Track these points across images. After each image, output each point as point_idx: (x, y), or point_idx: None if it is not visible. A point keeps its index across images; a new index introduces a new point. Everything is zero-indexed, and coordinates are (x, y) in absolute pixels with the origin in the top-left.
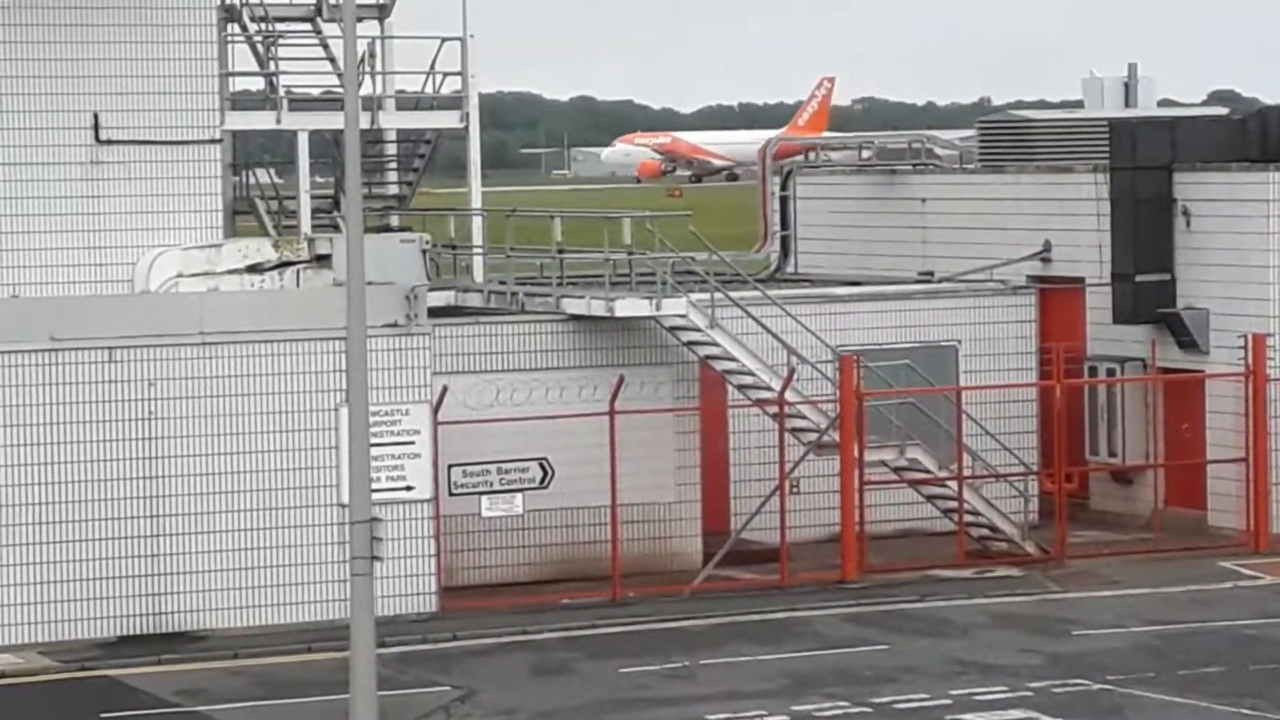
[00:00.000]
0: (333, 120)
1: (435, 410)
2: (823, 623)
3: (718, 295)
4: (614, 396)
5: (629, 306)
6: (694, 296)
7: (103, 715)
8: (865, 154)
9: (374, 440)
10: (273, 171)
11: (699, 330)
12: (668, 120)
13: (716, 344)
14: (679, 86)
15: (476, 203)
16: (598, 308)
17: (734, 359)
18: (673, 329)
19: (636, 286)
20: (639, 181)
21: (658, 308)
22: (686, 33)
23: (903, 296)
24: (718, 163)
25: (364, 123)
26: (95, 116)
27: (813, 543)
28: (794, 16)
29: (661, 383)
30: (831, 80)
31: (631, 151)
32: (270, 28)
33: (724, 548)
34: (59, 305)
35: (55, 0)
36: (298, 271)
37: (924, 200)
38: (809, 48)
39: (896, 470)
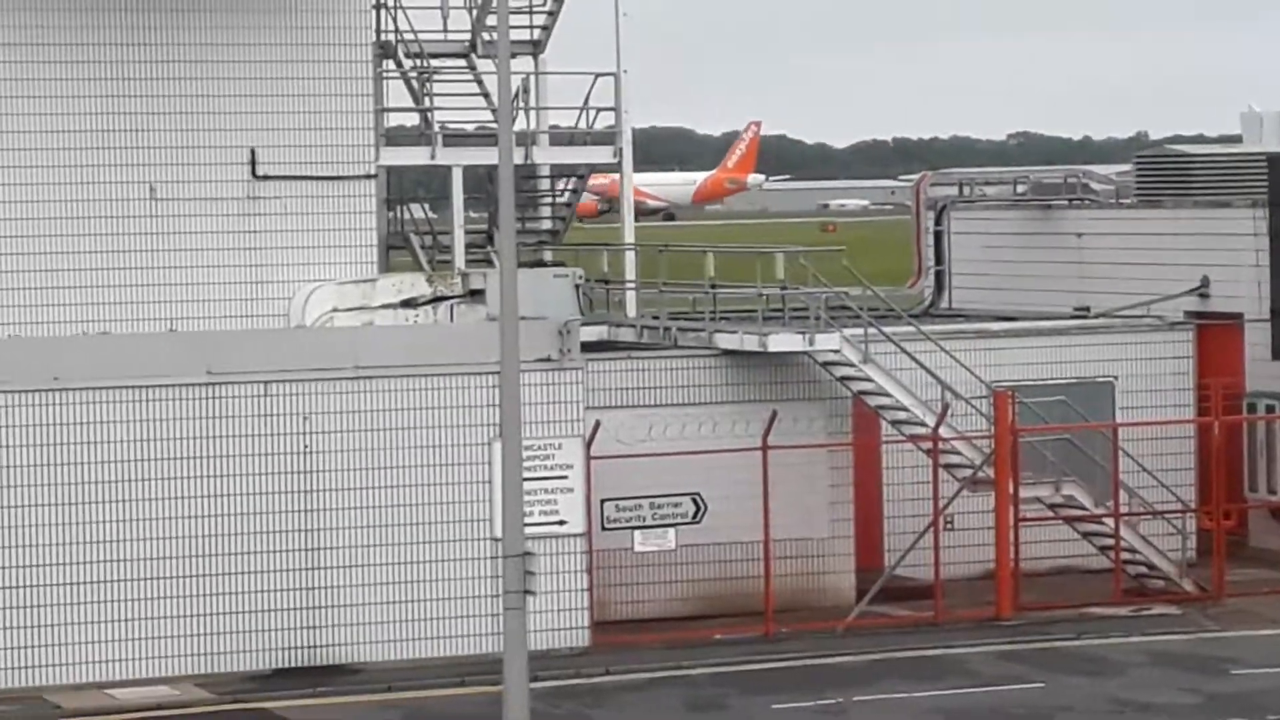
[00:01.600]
0: (487, 155)
1: (588, 445)
2: (977, 660)
3: (871, 330)
4: (767, 431)
5: (782, 341)
6: (847, 332)
7: None
8: (1020, 189)
9: (527, 474)
10: (427, 207)
11: (852, 365)
12: (820, 155)
13: (870, 379)
14: (833, 121)
15: (629, 237)
16: (751, 343)
17: (888, 394)
18: (826, 364)
19: (790, 321)
20: (580, 220)
21: (811, 343)
22: (841, 68)
23: (1058, 332)
24: (653, 203)
25: (518, 158)
26: (252, 152)
27: (967, 579)
28: (951, 50)
29: (814, 418)
30: (758, 123)
31: None
32: (425, 64)
33: (877, 584)
34: (216, 339)
35: (213, 38)
36: (451, 306)
37: (1080, 235)
38: (964, 82)
39: (1052, 507)
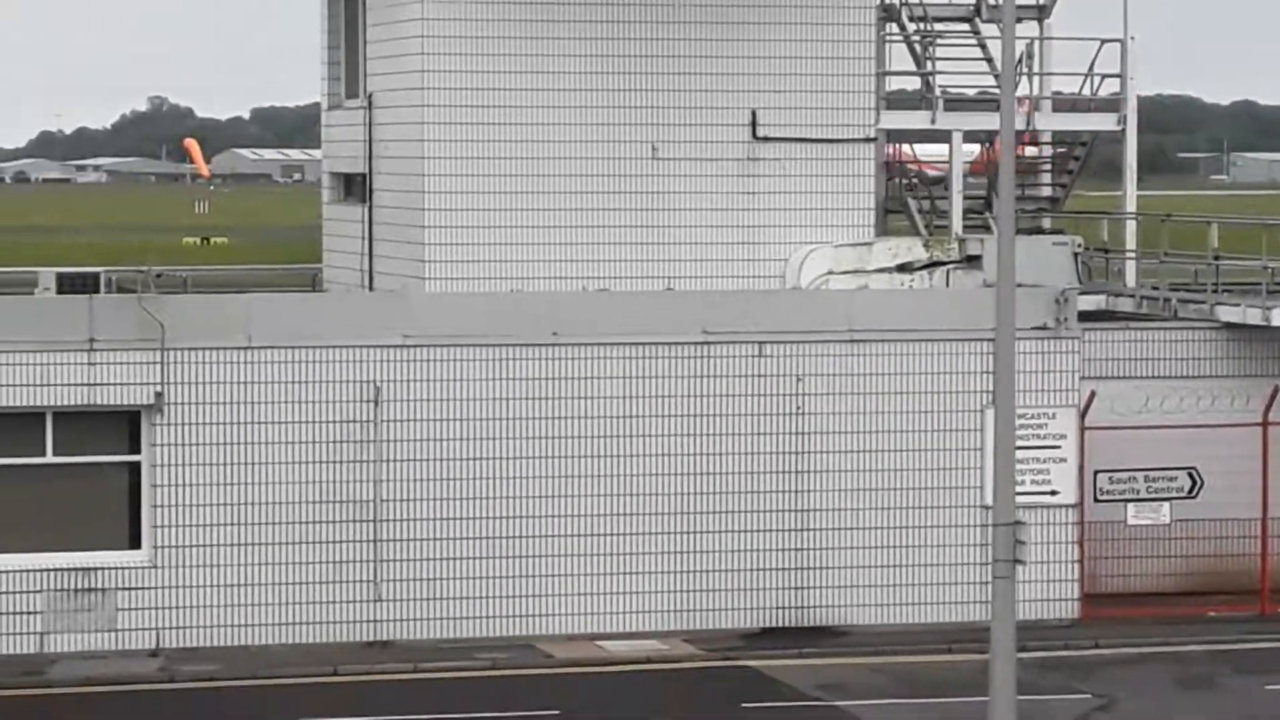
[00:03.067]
0: (988, 121)
1: (1082, 415)
2: None
3: None
4: (1268, 407)
5: None
6: None
7: (744, 705)
8: None
9: (1019, 443)
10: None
11: None
12: None
13: None
14: None
15: (1131, 207)
16: (1253, 316)
17: None
18: None
19: None
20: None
21: None
22: None
23: None
24: (933, 174)
25: (1019, 124)
26: (753, 114)
27: None
28: None
29: None
30: None
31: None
32: (928, 27)
33: None
34: (712, 299)
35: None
36: (948, 272)
37: None
38: None
39: None
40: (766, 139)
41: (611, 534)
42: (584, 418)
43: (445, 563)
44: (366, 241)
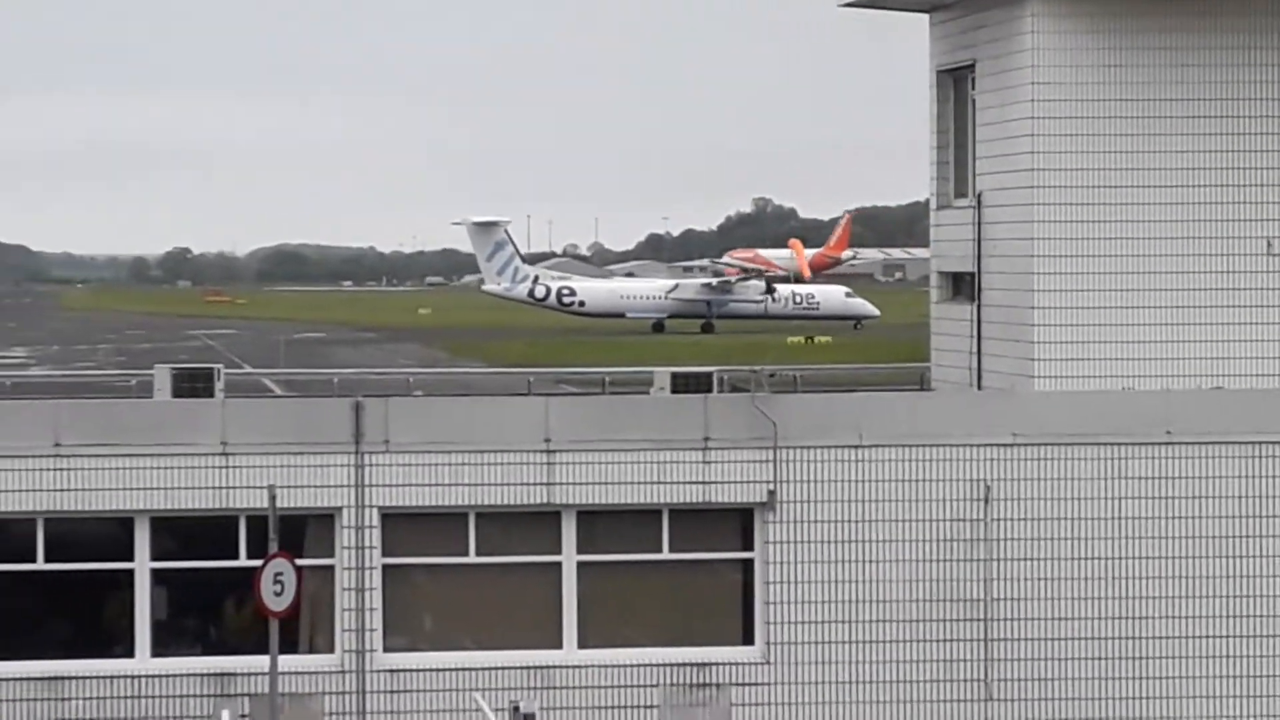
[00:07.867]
0: None
1: None
2: None
3: None
4: None
5: None
6: None
7: None
8: None
9: None
10: None
11: None
12: None
13: None
14: None
15: None
16: None
17: None
18: None
19: None
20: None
21: None
22: None
23: None
24: (778, 272)
25: None
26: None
27: None
28: None
29: None
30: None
31: None
32: None
33: None
34: None
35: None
36: None
37: None
38: None
39: None
40: None
41: (1228, 635)
42: (1199, 517)
43: (1057, 663)
44: (975, 340)
